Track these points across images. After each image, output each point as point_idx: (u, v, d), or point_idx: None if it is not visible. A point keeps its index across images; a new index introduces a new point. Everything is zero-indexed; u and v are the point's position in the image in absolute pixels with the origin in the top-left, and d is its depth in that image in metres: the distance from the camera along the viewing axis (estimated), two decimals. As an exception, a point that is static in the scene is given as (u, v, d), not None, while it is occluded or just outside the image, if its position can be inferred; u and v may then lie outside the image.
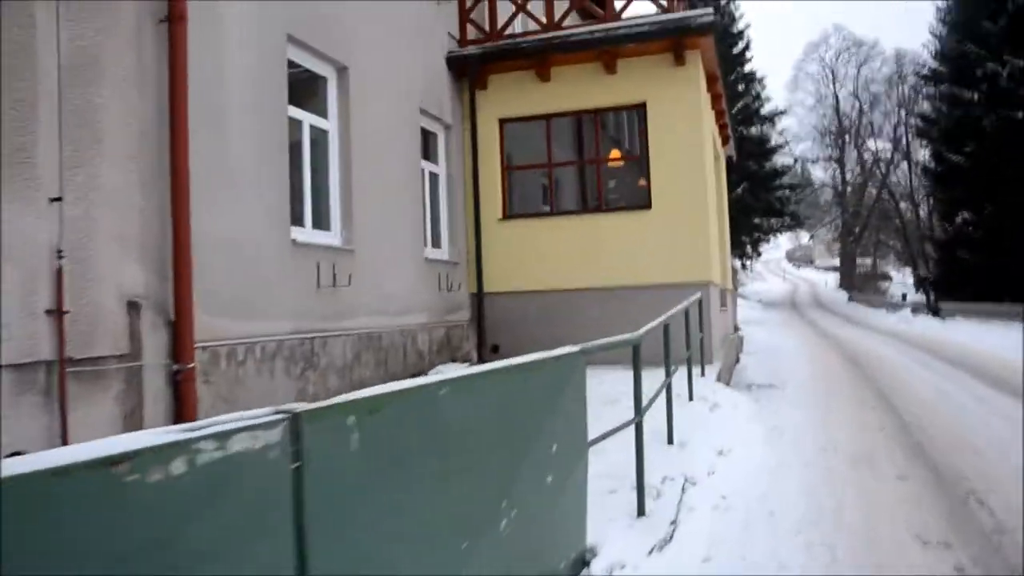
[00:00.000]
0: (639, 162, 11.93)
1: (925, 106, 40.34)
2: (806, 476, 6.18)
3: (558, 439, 3.51)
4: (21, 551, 1.32)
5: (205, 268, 6.45)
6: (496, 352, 11.73)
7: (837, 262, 66.54)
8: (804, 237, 79.77)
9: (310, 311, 7.89)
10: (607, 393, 8.25)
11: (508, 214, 12.09)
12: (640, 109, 11.56)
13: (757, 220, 42.56)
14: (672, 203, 11.18)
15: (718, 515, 5.16)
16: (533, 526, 3.25)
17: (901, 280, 58.24)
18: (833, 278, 66.46)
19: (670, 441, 6.25)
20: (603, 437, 4.24)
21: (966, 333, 19.44)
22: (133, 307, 5.72)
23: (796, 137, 54.91)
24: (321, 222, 8.66)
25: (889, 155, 51.12)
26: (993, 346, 16.10)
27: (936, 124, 34.96)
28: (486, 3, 12.23)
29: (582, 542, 3.92)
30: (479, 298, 11.81)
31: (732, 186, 36.33)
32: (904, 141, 47.99)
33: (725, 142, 17.21)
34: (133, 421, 5.62)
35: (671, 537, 4.66)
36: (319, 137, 8.74)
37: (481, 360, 11.65)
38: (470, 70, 11.78)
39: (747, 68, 43.57)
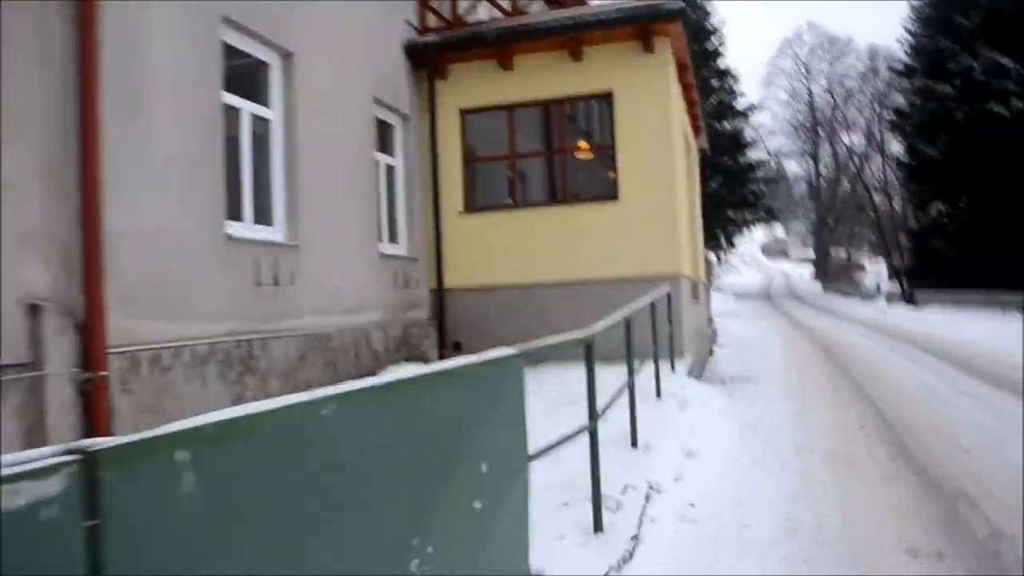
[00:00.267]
0: (606, 152, 11.45)
1: (899, 100, 40.21)
2: (782, 479, 5.70)
3: (490, 456, 3.00)
4: None
5: (124, 266, 5.89)
6: (458, 350, 11.21)
7: (812, 254, 66.58)
8: (779, 230, 79.99)
9: (249, 311, 7.33)
10: (569, 393, 7.74)
11: (470, 207, 11.56)
12: (607, 98, 11.08)
13: (731, 214, 42.30)
14: (640, 194, 10.71)
15: (685, 527, 4.67)
16: (458, 560, 2.73)
17: (875, 270, 58.33)
18: (808, 270, 66.50)
19: (634, 444, 5.75)
20: (549, 448, 3.73)
21: (943, 322, 19.14)
22: (34, 310, 5.14)
23: (771, 132, 54.85)
24: (263, 216, 8.10)
25: (863, 149, 51.12)
26: (971, 334, 15.76)
27: (910, 118, 34.80)
28: (444, -12, 11.70)
29: (524, 568, 3.41)
30: (440, 294, 11.28)
31: (707, 180, 36.16)
32: (878, 135, 47.96)
33: (697, 134, 16.77)
34: (35, 436, 5.05)
35: (631, 555, 4.16)
36: (261, 127, 8.17)
37: (442, 359, 11.10)
38: (429, 59, 11.23)
39: (721, 64, 43.29)
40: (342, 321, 8.97)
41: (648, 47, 10.65)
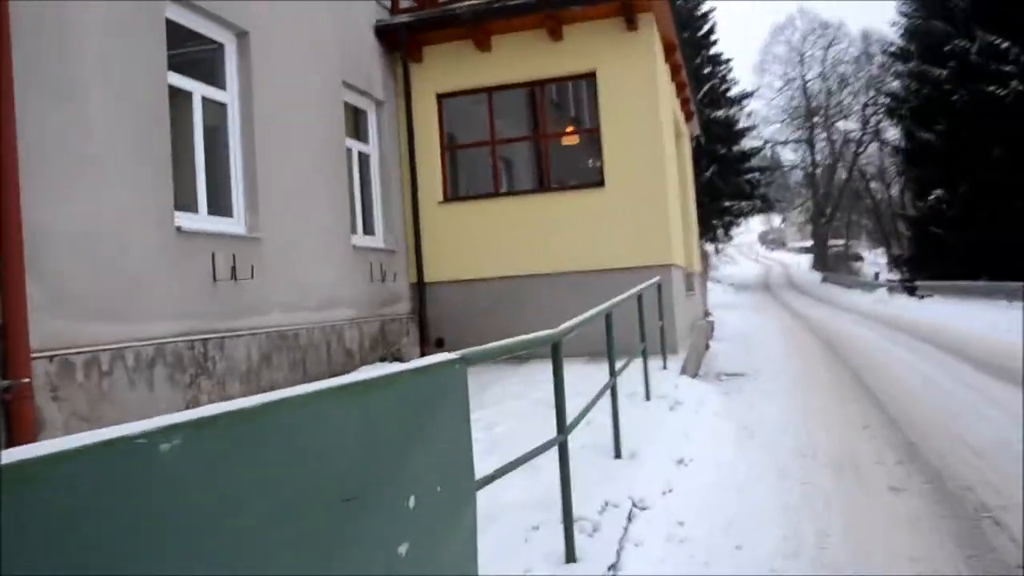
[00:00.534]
0: (591, 136, 10.89)
1: (894, 85, 39.60)
2: (781, 490, 5.15)
3: (421, 487, 2.44)
4: None
5: (54, 264, 5.35)
6: (441, 346, 10.67)
7: (810, 243, 66.04)
8: (776, 220, 79.51)
9: (204, 309, 6.77)
10: (550, 395, 7.21)
11: (449, 196, 11.00)
12: (590, 79, 10.51)
13: (728, 203, 41.71)
14: (627, 180, 10.15)
15: (672, 550, 4.12)
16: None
17: (873, 260, 57.84)
18: (806, 259, 65.96)
19: (617, 454, 5.19)
20: (501, 474, 3.15)
21: (945, 312, 18.58)
22: (-61, 312, 4.57)
23: (765, 120, 54.16)
24: (221, 207, 7.53)
25: (859, 135, 50.54)
26: (976, 326, 15.21)
27: (906, 102, 34.14)
28: (419, -35, 11.09)
29: (473, 615, 2.85)
30: (420, 288, 10.73)
31: (701, 170, 35.57)
32: (873, 121, 47.41)
33: (689, 118, 16.19)
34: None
35: (609, 587, 3.61)
36: (216, 112, 7.59)
37: (424, 356, 10.55)
38: (402, 41, 10.64)
39: (712, 51, 42.65)
40: (313, 318, 8.42)
41: (632, 24, 10.06)
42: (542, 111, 10.84)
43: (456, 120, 11.44)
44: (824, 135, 55.02)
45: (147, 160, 6.28)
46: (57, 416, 5.22)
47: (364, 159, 10.39)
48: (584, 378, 7.42)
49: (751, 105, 48.41)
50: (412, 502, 2.38)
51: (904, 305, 23.48)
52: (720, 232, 43.41)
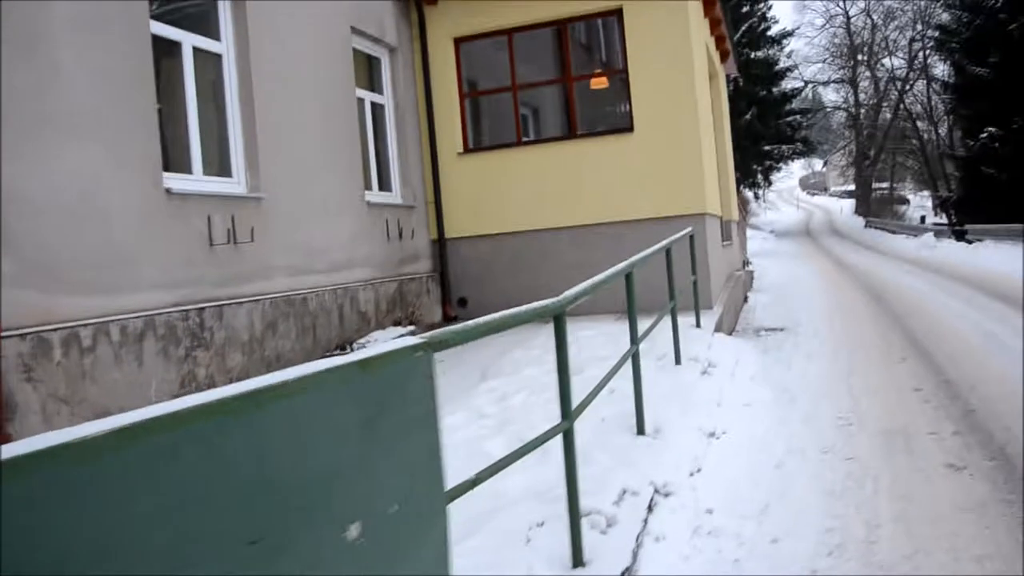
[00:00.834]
0: (618, 78, 10.21)
1: (944, 17, 37.74)
2: (824, 471, 4.62)
3: (370, 510, 1.96)
4: None
5: (26, 233, 4.93)
6: (464, 306, 10.23)
7: (852, 187, 64.21)
8: (817, 164, 77.51)
9: (199, 276, 6.35)
10: (574, 359, 6.71)
11: (469, 147, 10.43)
12: (616, 16, 9.79)
13: (767, 147, 40.52)
14: (658, 125, 9.49)
15: (698, 545, 3.63)
16: None
17: (919, 203, 56.11)
18: (849, 204, 64.19)
19: (640, 430, 4.68)
20: (480, 480, 2.64)
21: (1000, 258, 17.62)
22: None
23: (806, 59, 52.22)
24: (219, 167, 7.07)
25: (905, 72, 48.56)
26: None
27: (957, 35, 32.51)
28: (431, -101, 10.37)
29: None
30: (441, 245, 10.24)
31: (740, 113, 34.43)
32: (921, 56, 45.48)
33: (724, 58, 15.31)
34: None
35: (624, 596, 3.14)
36: (211, 65, 7.09)
37: (446, 318, 10.12)
38: (415, -19, 10.01)
39: (752, -12, 41.07)
40: (324, 281, 7.98)
41: (661, -45, 9.32)
42: (567, 53, 10.17)
43: (475, 66, 10.83)
44: (868, 74, 53.00)
45: (129, 117, 5.81)
46: (33, 398, 4.85)
47: (378, 110, 9.84)
48: (611, 339, 6.94)
49: (791, 44, 46.84)
50: (355, 531, 1.90)
51: (953, 250, 22.48)
52: (760, 177, 42.30)
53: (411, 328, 8.22)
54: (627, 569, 3.25)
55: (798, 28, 48.52)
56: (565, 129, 10.48)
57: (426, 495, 2.24)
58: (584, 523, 3.30)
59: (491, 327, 2.61)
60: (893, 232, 36.21)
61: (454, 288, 10.28)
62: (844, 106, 55.57)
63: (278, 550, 1.68)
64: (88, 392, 5.22)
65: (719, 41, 13.89)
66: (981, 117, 29.36)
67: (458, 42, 10.33)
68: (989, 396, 6.01)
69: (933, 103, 43.52)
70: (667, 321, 6.53)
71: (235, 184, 7.13)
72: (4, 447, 1.13)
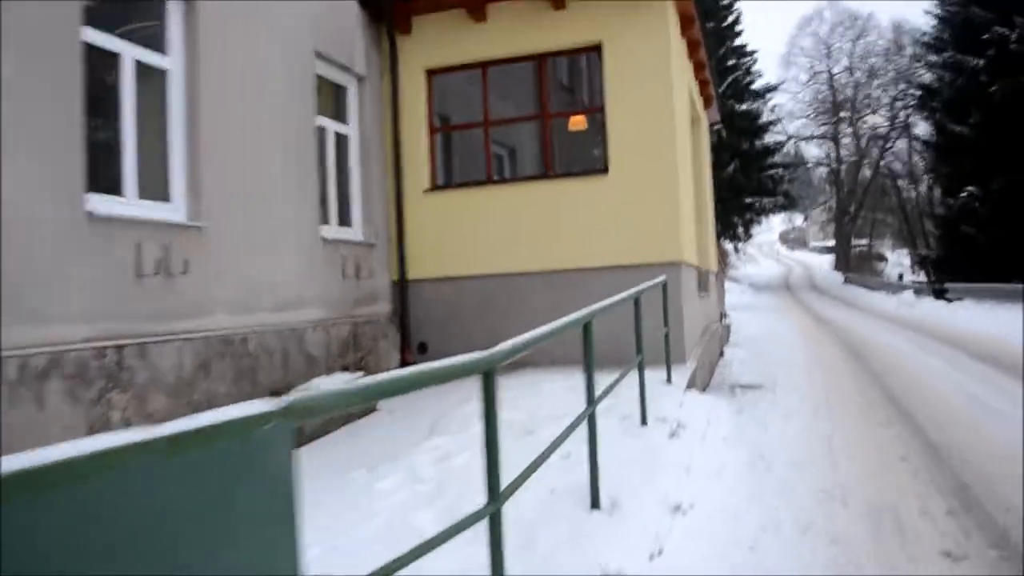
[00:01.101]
0: (594, 119, 9.81)
1: (926, 77, 38.05)
2: (804, 554, 4.06)
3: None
4: None
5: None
6: (424, 352, 9.64)
7: (832, 243, 64.42)
8: (798, 219, 77.93)
9: (121, 310, 5.75)
10: (535, 416, 6.16)
11: (437, 184, 9.94)
12: (595, 52, 9.39)
13: (749, 200, 40.45)
14: (634, 166, 9.05)
15: (655, 651, 3.04)
16: None
17: (897, 260, 56.34)
18: (828, 260, 64.36)
19: (595, 504, 4.10)
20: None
21: (981, 318, 17.28)
22: None
23: (790, 114, 52.65)
24: (156, 191, 6.51)
25: (886, 130, 48.96)
26: (1015, 332, 13.92)
27: (938, 95, 32.69)
28: (406, -73, 10.00)
29: None
30: (402, 287, 9.68)
31: (722, 164, 34.33)
32: (902, 115, 45.86)
33: (708, 103, 15.01)
34: None
35: None
36: (154, 79, 6.57)
37: (404, 363, 9.52)
38: (387, 10, 9.59)
39: (737, 42, 41.35)
40: (269, 319, 7.40)
41: (643, -9, 8.96)
42: (542, 90, 9.74)
43: (448, 101, 10.40)
44: (850, 130, 53.44)
45: (49, 131, 5.27)
46: (-97, 442, 4.22)
47: (342, 141, 9.34)
48: (577, 393, 6.37)
49: (776, 99, 47.16)
50: None
51: (933, 309, 22.18)
52: (740, 230, 42.19)
53: (359, 374, 7.60)
54: None
55: (783, 83, 48.91)
56: (537, 169, 10.03)
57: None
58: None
59: (386, 389, 2.06)
60: (872, 289, 36.05)
61: (414, 332, 9.71)
62: (826, 162, 55.95)
63: None
64: (-28, 437, 4.59)
65: (703, 86, 13.58)
66: (961, 176, 29.38)
67: (431, 74, 9.89)
68: (983, 468, 5.49)
69: (914, 161, 43.77)
70: (635, 376, 5.99)
71: (174, 210, 6.56)
72: None
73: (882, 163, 48.86)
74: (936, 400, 8.29)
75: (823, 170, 57.03)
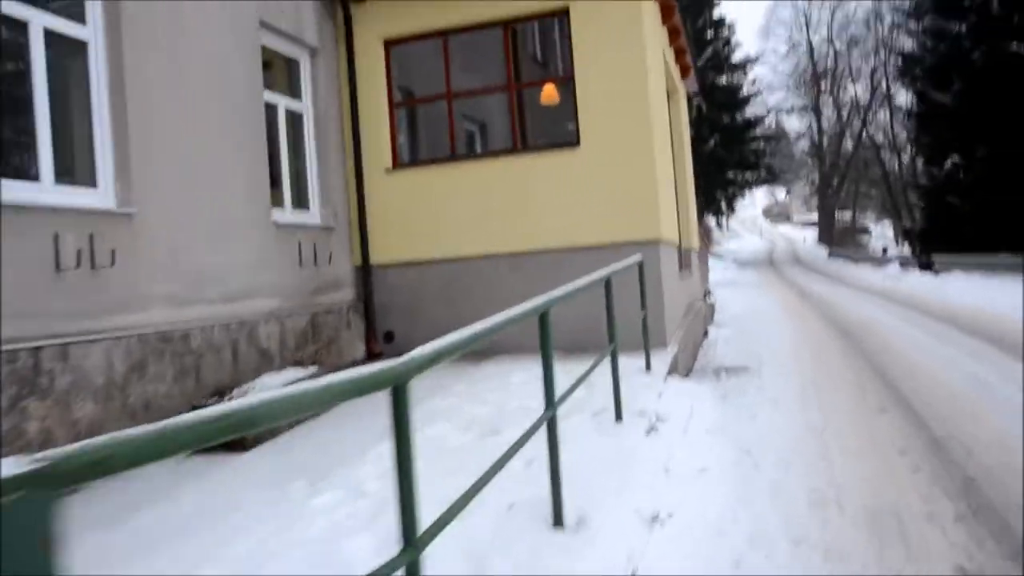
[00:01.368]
0: (564, 88, 9.24)
1: (906, 45, 37.59)
2: (796, 568, 3.56)
3: None
4: None
5: None
6: (391, 341, 9.11)
7: (815, 217, 64.18)
8: (781, 193, 77.74)
9: (36, 308, 5.17)
10: (503, 410, 5.64)
11: (400, 162, 9.35)
12: (562, 17, 8.81)
13: (731, 174, 40.07)
14: (607, 139, 8.50)
15: None
16: None
17: (880, 233, 56.18)
18: (812, 234, 64.13)
19: (557, 521, 3.57)
20: None
21: (971, 291, 16.85)
22: None
23: (769, 87, 52.15)
24: (77, 175, 5.91)
25: (867, 101, 48.57)
26: (1007, 306, 13.49)
27: (920, 62, 32.19)
28: None
29: None
30: (365, 272, 9.11)
31: (703, 139, 33.84)
32: (884, 84, 45.46)
33: (685, 73, 14.42)
34: None
35: None
36: (72, 50, 5.94)
37: (370, 355, 8.99)
38: (341, -24, 8.96)
39: (715, 14, 40.80)
40: (214, 312, 6.82)
41: (613, -49, 8.37)
42: (508, 59, 9.14)
43: (410, 73, 9.80)
44: (831, 101, 53.02)
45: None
46: None
47: (295, 119, 8.74)
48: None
49: (755, 71, 46.70)
50: None
51: (920, 282, 21.80)
52: (723, 205, 41.86)
53: (313, 370, 7.03)
54: None
55: (761, 55, 48.40)
56: (505, 143, 9.47)
57: None
58: None
59: (243, 421, 1.51)
60: (857, 262, 35.73)
61: (380, 321, 9.15)
62: (807, 134, 55.59)
63: None
64: None
65: (679, 55, 13.00)
66: (944, 145, 28.94)
67: (388, 45, 9.28)
68: (990, 461, 5.01)
69: (896, 131, 43.41)
70: (609, 366, 5.47)
71: (101, 196, 5.96)
72: None
73: (864, 134, 48.47)
74: (932, 383, 7.82)
75: (805, 143, 56.65)
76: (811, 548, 3.78)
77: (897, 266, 27.72)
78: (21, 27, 5.47)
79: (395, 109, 9.37)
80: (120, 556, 3.67)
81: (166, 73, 6.48)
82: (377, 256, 9.12)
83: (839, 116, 52.62)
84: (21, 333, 5.02)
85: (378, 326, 9.13)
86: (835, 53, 51.38)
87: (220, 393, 6.31)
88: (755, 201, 72.76)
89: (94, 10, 6.02)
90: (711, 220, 42.61)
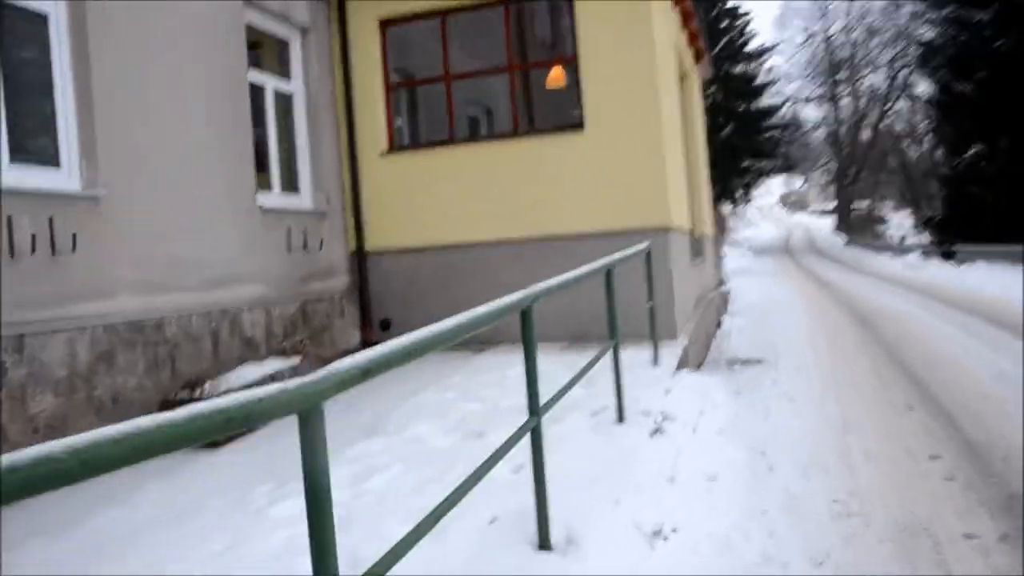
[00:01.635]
0: (568, 69, 8.77)
1: (927, 34, 36.71)
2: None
3: None
4: None
5: None
6: (387, 329, 8.71)
7: (832, 205, 63.31)
8: (798, 181, 76.75)
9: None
10: (497, 406, 5.20)
11: (396, 146, 8.91)
12: (566, -5, 8.33)
13: (747, 163, 39.45)
14: (613, 121, 8.04)
15: None
16: None
17: (898, 222, 55.28)
18: (829, 222, 63.29)
19: (543, 543, 3.12)
20: None
21: (995, 282, 16.18)
22: None
23: (786, 76, 51.29)
24: (35, 154, 5.49)
25: (886, 90, 47.70)
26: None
27: (941, 51, 31.39)
28: None
29: None
30: (360, 259, 8.70)
31: (719, 127, 33.25)
32: (903, 74, 44.60)
33: (699, 58, 13.90)
34: None
35: None
36: (32, 24, 5.52)
37: (365, 344, 8.56)
38: (334, -50, 8.51)
39: (730, 3, 40.16)
40: (195, 300, 6.42)
41: (621, -78, 7.87)
42: (508, 39, 8.67)
43: (408, 55, 9.34)
44: (848, 91, 52.12)
45: None
46: None
47: (285, 100, 8.30)
48: (549, 378, 5.41)
49: (771, 60, 45.96)
50: None
51: (942, 272, 21.17)
52: (739, 193, 41.28)
53: (295, 361, 6.59)
54: None
55: (778, 44, 47.56)
56: (506, 125, 9.01)
57: None
58: None
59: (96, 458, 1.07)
60: (876, 251, 35.06)
61: (375, 308, 8.73)
62: (824, 123, 54.74)
63: None
64: None
65: (691, 38, 12.47)
66: (966, 135, 28.21)
67: (384, 25, 8.82)
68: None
69: (915, 121, 42.58)
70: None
71: (64, 177, 5.55)
72: None
73: (882, 124, 47.63)
74: (963, 376, 7.32)
75: (822, 132, 55.77)
76: (833, 569, 3.32)
77: (919, 255, 27.06)
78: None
79: (391, 91, 8.92)
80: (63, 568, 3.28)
81: (137, 48, 6.06)
82: (372, 242, 8.70)
83: (857, 105, 51.75)
84: (-31, 324, 4.62)
85: (374, 314, 8.72)
86: (853, 43, 50.48)
87: (191, 385, 5.89)
88: (772, 189, 71.93)
89: (56, -21, 5.59)
90: (727, 207, 42.00)
